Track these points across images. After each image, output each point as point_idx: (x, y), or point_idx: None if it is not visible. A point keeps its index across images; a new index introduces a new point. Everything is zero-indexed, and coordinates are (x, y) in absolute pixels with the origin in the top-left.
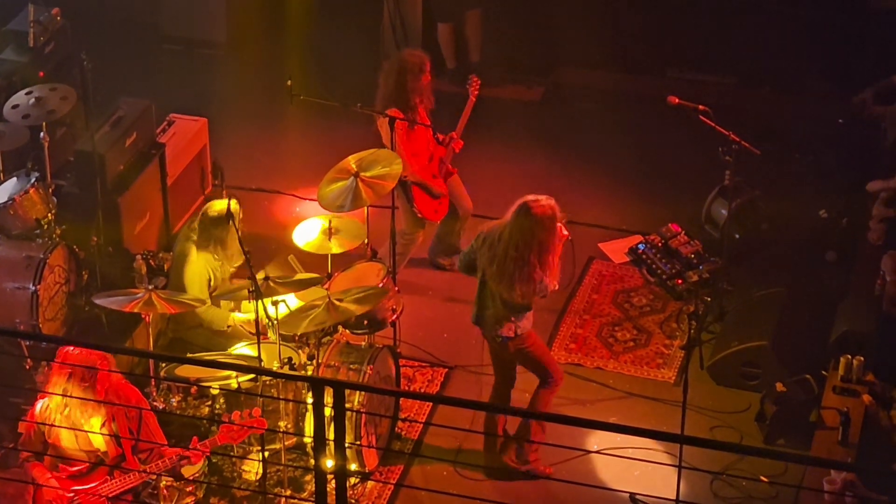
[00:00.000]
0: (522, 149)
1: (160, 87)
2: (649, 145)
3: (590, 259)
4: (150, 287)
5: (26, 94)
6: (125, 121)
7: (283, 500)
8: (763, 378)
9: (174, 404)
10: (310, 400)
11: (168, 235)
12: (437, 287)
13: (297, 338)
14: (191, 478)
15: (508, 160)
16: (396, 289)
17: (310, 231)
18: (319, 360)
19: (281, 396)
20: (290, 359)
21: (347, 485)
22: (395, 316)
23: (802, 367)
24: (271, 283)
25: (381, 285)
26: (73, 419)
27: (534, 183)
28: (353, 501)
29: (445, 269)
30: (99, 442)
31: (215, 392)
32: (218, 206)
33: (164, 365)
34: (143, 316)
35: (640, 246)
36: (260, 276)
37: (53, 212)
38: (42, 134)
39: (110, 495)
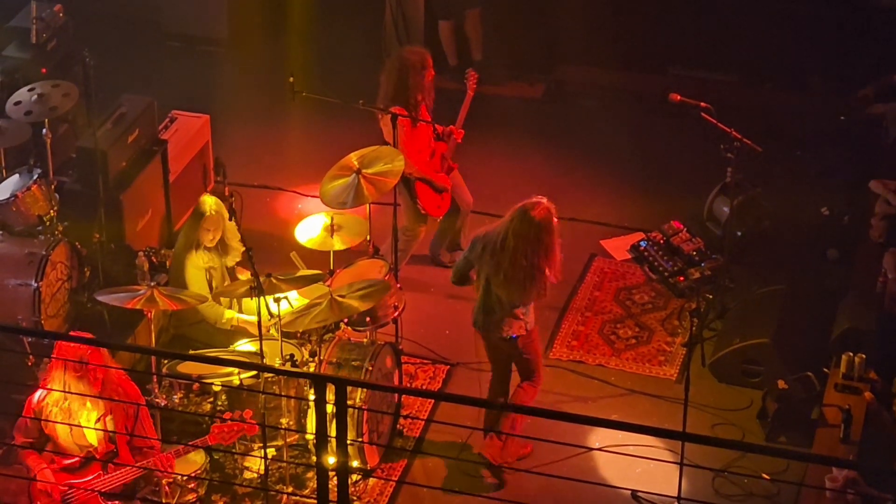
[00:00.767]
0: (524, 146)
1: (162, 84)
2: (651, 143)
3: (592, 256)
4: (153, 284)
5: (28, 90)
6: (127, 117)
7: (285, 497)
8: (765, 375)
9: (176, 401)
10: (312, 397)
11: (170, 232)
12: (438, 284)
13: (299, 335)
14: (193, 475)
15: (510, 157)
16: (398, 285)
17: (312, 228)
18: (321, 357)
19: (283, 393)
20: (291, 355)
21: (349, 482)
22: (396, 313)
23: (804, 364)
24: (273, 280)
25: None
26: (71, 411)
27: (536, 180)
28: (354, 498)
29: (447, 266)
30: (92, 437)
31: (217, 389)
32: (201, 203)
33: (166, 361)
34: (145, 312)
35: (641, 243)
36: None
37: (56, 208)
38: (44, 130)
39: (103, 490)
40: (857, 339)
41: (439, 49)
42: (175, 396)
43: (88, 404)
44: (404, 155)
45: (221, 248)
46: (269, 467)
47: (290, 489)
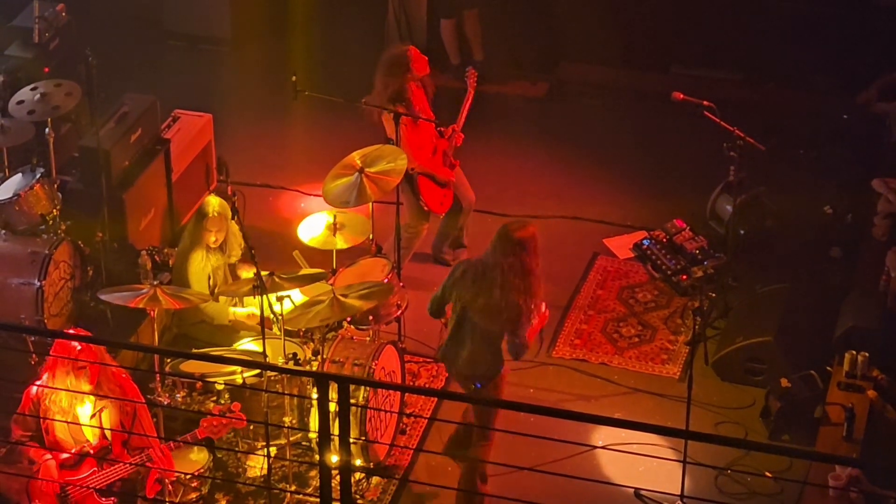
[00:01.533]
0: (527, 145)
1: (165, 83)
2: (654, 141)
3: (594, 255)
4: (155, 283)
5: (31, 89)
6: (130, 117)
7: (288, 495)
8: (768, 374)
9: (179, 400)
10: (315, 395)
11: (173, 231)
12: (441, 282)
13: (301, 333)
14: (196, 473)
15: (513, 156)
16: (401, 284)
17: (315, 226)
18: (324, 356)
19: (286, 392)
20: (294, 354)
21: (352, 480)
22: (399, 311)
23: (807, 362)
24: (276, 279)
25: (385, 281)
26: (63, 404)
27: (538, 179)
28: (357, 497)
29: (449, 264)
30: (87, 431)
31: (220, 387)
32: (205, 204)
33: (168, 360)
34: (148, 311)
35: (644, 242)
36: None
37: (58, 207)
38: (47, 130)
39: (99, 486)
40: (860, 338)
41: (441, 48)
42: (178, 395)
43: (83, 399)
44: (406, 151)
45: (225, 248)
46: (272, 466)
47: (293, 488)
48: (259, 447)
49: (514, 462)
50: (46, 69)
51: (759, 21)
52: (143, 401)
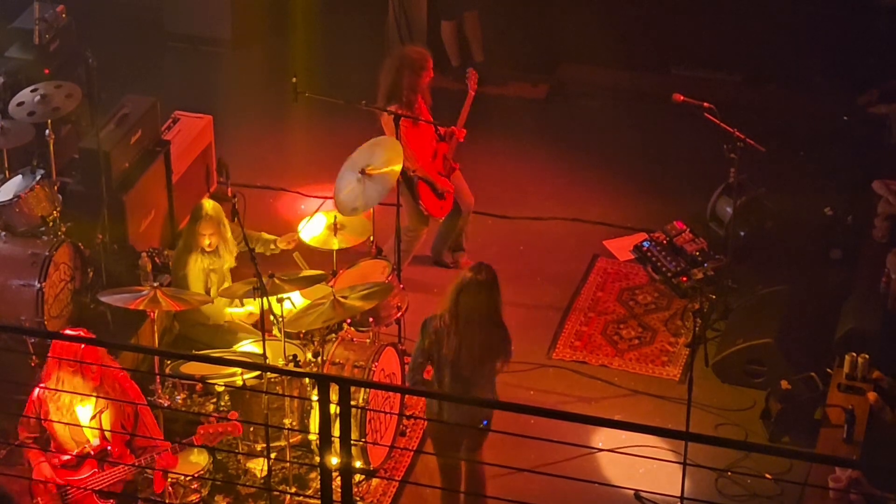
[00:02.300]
0: (527, 146)
1: (165, 85)
2: (654, 143)
3: (595, 257)
4: (156, 284)
5: (31, 91)
6: (130, 118)
7: (289, 497)
8: (768, 376)
9: (179, 401)
10: (315, 397)
11: (173, 233)
12: (440, 284)
13: (301, 335)
14: (196, 475)
15: (513, 158)
16: (401, 286)
17: (315, 226)
18: (324, 358)
19: (286, 393)
20: (294, 356)
21: (352, 482)
22: (399, 313)
23: (807, 364)
24: (276, 281)
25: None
26: (65, 404)
27: (538, 180)
28: (358, 499)
29: (448, 266)
30: (88, 433)
31: (220, 389)
32: (198, 207)
33: (169, 362)
34: (148, 313)
35: (644, 243)
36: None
37: (59, 209)
38: (47, 131)
39: (99, 487)
40: (860, 340)
41: (442, 49)
42: (178, 397)
43: (83, 399)
44: (406, 152)
45: (219, 252)
46: (273, 468)
47: (294, 489)
48: (259, 449)
49: (514, 464)
50: (47, 71)
51: (760, 22)
52: (145, 401)
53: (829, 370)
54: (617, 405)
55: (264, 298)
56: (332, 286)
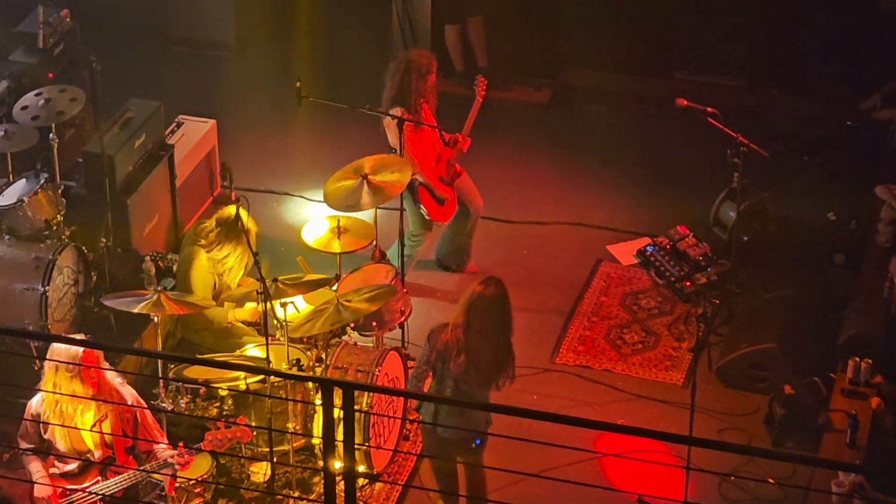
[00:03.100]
0: (530, 151)
1: (169, 89)
2: (657, 147)
3: (598, 261)
4: (159, 288)
5: (35, 95)
6: (134, 122)
7: (292, 501)
8: (771, 380)
9: (183, 405)
10: (318, 401)
11: (177, 237)
12: (444, 288)
13: (305, 340)
14: (199, 479)
15: (516, 162)
16: (405, 290)
17: (318, 229)
18: (328, 362)
19: (289, 398)
20: (298, 360)
21: (356, 486)
22: (403, 318)
23: (811, 369)
24: (280, 285)
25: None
26: (65, 414)
27: (541, 185)
28: (361, 503)
29: (452, 271)
30: (90, 441)
31: (224, 393)
32: (230, 211)
33: (172, 366)
34: (152, 317)
35: (648, 248)
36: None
37: (62, 213)
38: (51, 135)
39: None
40: (864, 345)
41: (446, 54)
42: (182, 401)
43: (81, 407)
44: (409, 157)
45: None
46: (276, 472)
47: (297, 493)
48: (262, 453)
49: (517, 468)
50: (51, 74)
51: (763, 27)
52: (144, 404)
53: (832, 375)
54: (620, 410)
55: (267, 302)
56: (335, 290)
